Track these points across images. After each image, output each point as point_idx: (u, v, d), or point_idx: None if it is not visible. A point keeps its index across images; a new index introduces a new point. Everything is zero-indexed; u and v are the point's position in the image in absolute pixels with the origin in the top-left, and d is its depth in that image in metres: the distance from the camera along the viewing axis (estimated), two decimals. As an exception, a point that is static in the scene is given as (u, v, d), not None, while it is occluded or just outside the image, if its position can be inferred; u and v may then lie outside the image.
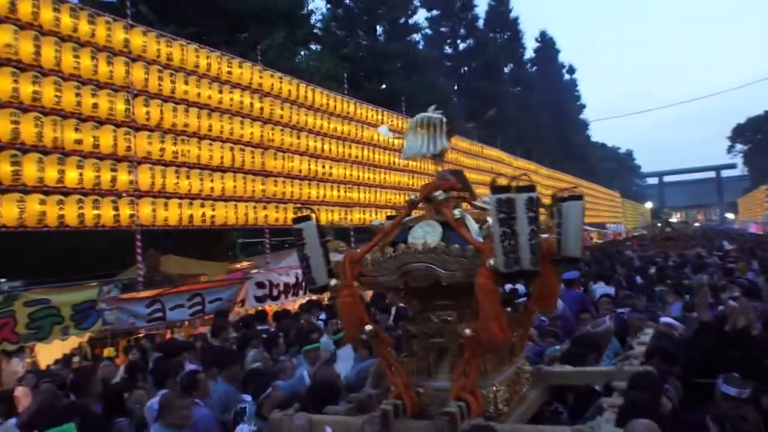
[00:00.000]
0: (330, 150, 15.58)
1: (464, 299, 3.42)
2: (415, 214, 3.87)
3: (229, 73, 12.25)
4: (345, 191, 16.05)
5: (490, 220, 3.27)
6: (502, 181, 3.09)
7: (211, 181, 11.57)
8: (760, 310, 6.67)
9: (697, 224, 56.48)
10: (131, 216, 9.98)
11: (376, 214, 17.15)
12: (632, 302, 8.42)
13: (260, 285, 11.17)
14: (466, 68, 39.52)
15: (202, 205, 11.34)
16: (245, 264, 14.83)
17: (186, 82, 11.10)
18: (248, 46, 15.11)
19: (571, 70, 64.02)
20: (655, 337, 5.27)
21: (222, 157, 11.89)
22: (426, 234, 3.42)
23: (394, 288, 3.69)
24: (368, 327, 3.44)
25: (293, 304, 11.44)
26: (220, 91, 11.96)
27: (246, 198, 12.58)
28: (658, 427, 3.02)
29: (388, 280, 3.40)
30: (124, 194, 9.92)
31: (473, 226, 3.43)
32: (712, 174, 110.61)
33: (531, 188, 3.05)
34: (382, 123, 18.16)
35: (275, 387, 4.55)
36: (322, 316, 9.38)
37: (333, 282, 3.47)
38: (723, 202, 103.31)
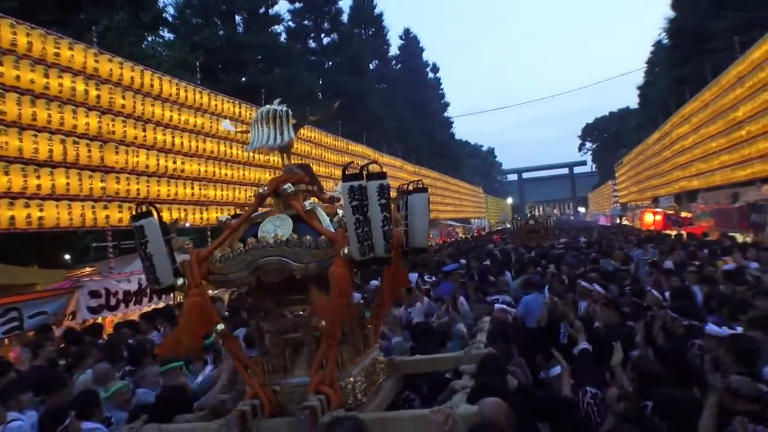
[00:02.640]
0: (182, 144, 14.37)
1: (317, 292, 3.33)
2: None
3: (57, 55, 10.73)
4: (200, 188, 14.89)
5: (340, 211, 3.40)
6: (353, 170, 3.10)
7: (38, 177, 10.09)
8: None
9: (553, 218, 59.59)
10: (-70, 219, 8.44)
11: (236, 212, 16.14)
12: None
13: (95, 294, 9.83)
14: (330, 63, 38.86)
15: (27, 205, 9.85)
16: (87, 270, 13.32)
17: None
18: (85, 27, 13.53)
19: (435, 69, 65.32)
20: (492, 321, 5.58)
21: (51, 151, 10.41)
22: (277, 228, 3.38)
23: (246, 285, 3.57)
24: (220, 326, 3.32)
25: (135, 313, 10.21)
26: (46, 75, 10.43)
27: (82, 197, 11.14)
28: (505, 403, 3.17)
29: (239, 276, 3.30)
30: None
31: (324, 218, 3.42)
32: (566, 171, 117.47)
33: (382, 175, 3.08)
34: (240, 116, 17.16)
35: (73, 417, 3.93)
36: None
37: (180, 281, 3.33)
38: (575, 197, 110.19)
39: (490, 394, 3.24)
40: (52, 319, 8.87)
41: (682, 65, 31.90)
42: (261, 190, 3.63)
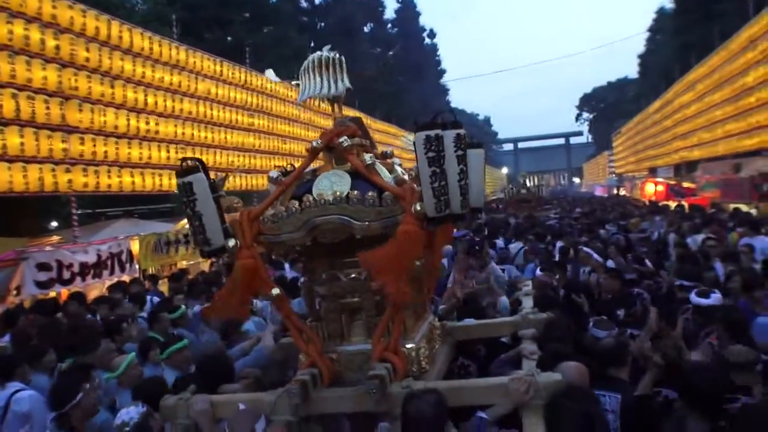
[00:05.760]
0: (156, 104, 13.31)
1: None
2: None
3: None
4: (176, 152, 13.84)
5: (398, 168, 3.39)
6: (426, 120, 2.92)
7: (-14, 136, 9.10)
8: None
9: (548, 188, 59.42)
10: None
11: (216, 176, 15.17)
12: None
13: (44, 267, 8.83)
14: (322, 24, 37.50)
15: (-27, 167, 8.89)
16: (55, 239, 12.41)
17: (-63, 5, 8.49)
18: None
19: (432, 35, 63.64)
20: (536, 287, 5.47)
21: (1, 106, 9.39)
22: (333, 184, 3.13)
23: (299, 245, 3.31)
24: (275, 290, 3.13)
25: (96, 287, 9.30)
26: (-7, 22, 9.37)
27: (40, 158, 10.12)
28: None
29: (294, 237, 3.08)
30: None
31: (386, 173, 3.22)
32: (562, 141, 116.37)
33: (458, 125, 2.89)
34: (222, 75, 16.09)
35: (86, 390, 3.75)
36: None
37: (231, 243, 3.11)
38: (571, 168, 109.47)
39: (562, 359, 3.24)
40: (-8, 293, 7.95)
41: (687, 31, 30.80)
42: (314, 143, 3.39)
